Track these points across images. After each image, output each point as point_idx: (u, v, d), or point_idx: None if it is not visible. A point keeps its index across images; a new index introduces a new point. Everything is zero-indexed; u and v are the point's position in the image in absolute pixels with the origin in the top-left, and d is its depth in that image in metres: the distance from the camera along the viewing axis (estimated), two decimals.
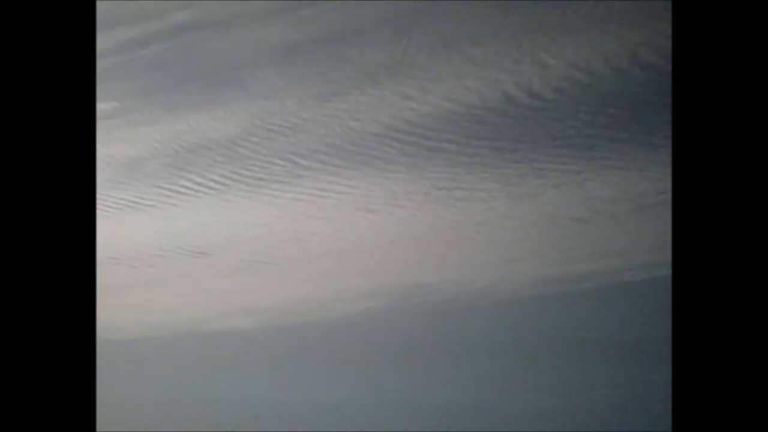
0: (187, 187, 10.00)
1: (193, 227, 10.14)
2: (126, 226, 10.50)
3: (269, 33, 9.46)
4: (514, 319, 9.51)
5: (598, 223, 8.79)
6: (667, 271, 9.17)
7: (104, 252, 10.83)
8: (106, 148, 10.42)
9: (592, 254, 9.07)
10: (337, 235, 9.64)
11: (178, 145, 10.24)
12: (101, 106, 10.03)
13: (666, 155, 8.30)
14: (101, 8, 7.17)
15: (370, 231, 9.57)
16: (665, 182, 8.56)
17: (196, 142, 9.79)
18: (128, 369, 11.11)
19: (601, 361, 9.15)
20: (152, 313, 10.90)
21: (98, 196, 10.56)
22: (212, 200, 9.58)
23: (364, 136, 9.06)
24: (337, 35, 9.05)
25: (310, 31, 9.24)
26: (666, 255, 9.29)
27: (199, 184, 9.89)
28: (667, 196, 8.58)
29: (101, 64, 9.68)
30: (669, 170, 8.51)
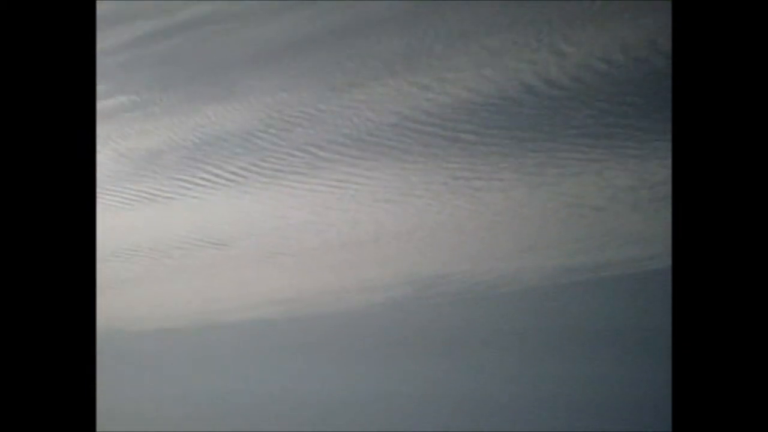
0: (205, 179, 10.03)
1: (212, 219, 10.16)
2: (145, 218, 10.54)
3: (286, 24, 9.46)
4: (533, 309, 9.49)
5: (618, 211, 8.75)
6: None
7: (123, 244, 10.87)
8: (125, 141, 10.46)
9: (612, 243, 9.04)
10: (356, 225, 9.64)
11: (196, 138, 10.26)
12: (119, 100, 10.06)
13: None
14: (117, 2, 7.17)
15: (388, 221, 9.57)
16: None
17: (214, 134, 9.81)
18: (147, 361, 11.16)
19: (622, 351, 9.12)
20: (171, 305, 10.93)
21: (117, 189, 10.59)
22: (231, 192, 9.61)
23: (382, 127, 9.05)
24: (353, 26, 9.05)
25: (327, 21, 9.24)
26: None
27: (218, 176, 9.91)
28: None
29: (117, 58, 9.70)
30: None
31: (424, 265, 10.02)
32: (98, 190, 10.25)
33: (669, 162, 8.91)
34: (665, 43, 7.97)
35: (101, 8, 8.92)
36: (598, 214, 9.24)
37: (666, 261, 9.52)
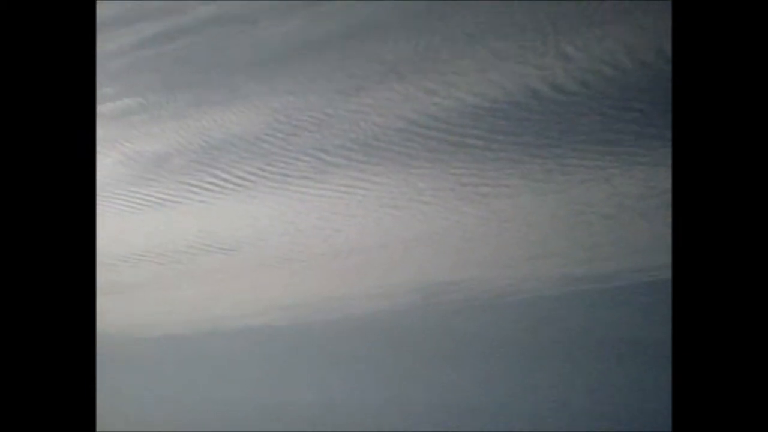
0: (213, 184, 9.99)
1: (219, 224, 10.12)
2: (152, 222, 10.51)
3: (293, 28, 9.43)
4: (540, 317, 9.40)
5: (625, 219, 8.66)
6: None
7: (131, 249, 10.86)
8: (131, 144, 10.44)
9: (619, 251, 8.94)
10: (363, 231, 9.59)
11: (203, 141, 10.23)
12: (125, 102, 10.05)
13: None
14: (124, 4, 7.15)
15: (394, 227, 9.51)
16: None
17: (221, 138, 9.78)
18: (154, 367, 11.13)
19: (629, 360, 9.01)
20: (178, 311, 10.90)
21: (124, 193, 10.58)
22: (238, 196, 9.57)
23: (389, 132, 8.99)
24: (361, 30, 9.00)
25: (334, 26, 9.20)
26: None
27: (225, 180, 9.87)
28: None
29: (124, 60, 9.69)
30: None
31: (431, 272, 9.96)
32: (105, 194, 10.22)
33: None
34: (671, 47, 7.88)
35: (107, 10, 8.91)
36: (606, 222, 9.15)
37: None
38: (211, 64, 9.71)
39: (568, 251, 9.28)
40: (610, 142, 8.26)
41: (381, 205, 9.36)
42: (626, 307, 9.08)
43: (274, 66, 9.03)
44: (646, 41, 7.72)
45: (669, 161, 8.54)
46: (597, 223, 8.96)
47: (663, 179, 8.64)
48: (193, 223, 10.39)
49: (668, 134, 8.42)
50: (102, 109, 9.54)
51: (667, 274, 9.32)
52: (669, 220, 9.35)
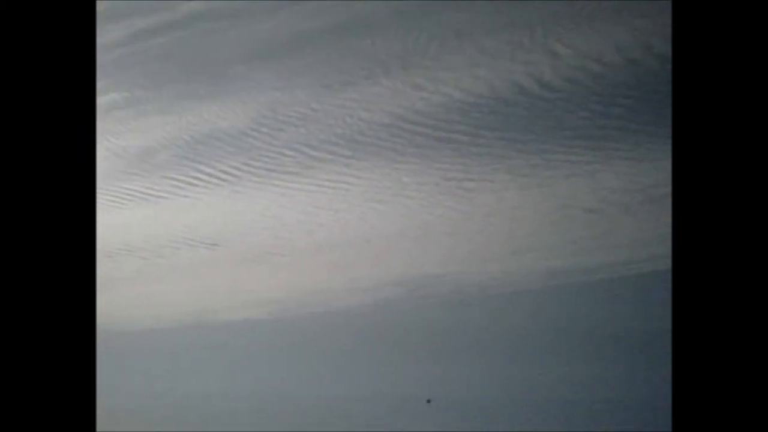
0: (197, 178, 10.06)
1: (203, 218, 10.17)
2: (137, 217, 10.53)
3: (280, 24, 9.46)
4: (524, 310, 9.47)
5: (609, 213, 8.78)
6: None
7: (114, 243, 10.88)
8: (116, 139, 10.49)
9: (603, 245, 9.04)
10: (347, 226, 9.67)
11: (188, 136, 10.30)
12: (112, 97, 10.06)
13: None
14: (111, 1, 7.10)
15: (379, 222, 9.59)
16: None
17: (206, 133, 9.85)
18: (136, 360, 11.11)
19: (613, 352, 9.09)
20: (161, 305, 10.92)
21: (109, 188, 10.60)
22: (223, 191, 9.63)
23: (375, 127, 9.10)
24: (348, 26, 9.05)
25: (321, 22, 9.24)
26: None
27: (210, 175, 9.95)
28: None
29: (111, 55, 9.70)
30: None
31: (415, 266, 10.03)
32: None
33: (661, 164, 8.93)
34: (659, 45, 7.97)
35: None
36: (590, 217, 9.26)
37: (658, 264, 9.54)
38: (197, 60, 9.73)
39: (551, 245, 9.39)
40: (595, 137, 8.38)
41: (366, 199, 9.44)
42: (612, 299, 9.17)
43: (260, 62, 9.09)
44: (633, 39, 7.81)
45: (653, 156, 8.63)
46: (581, 217, 9.09)
47: (647, 175, 8.76)
48: (177, 217, 10.44)
49: (652, 130, 8.54)
50: None
51: (652, 267, 9.44)
52: (653, 214, 9.43)
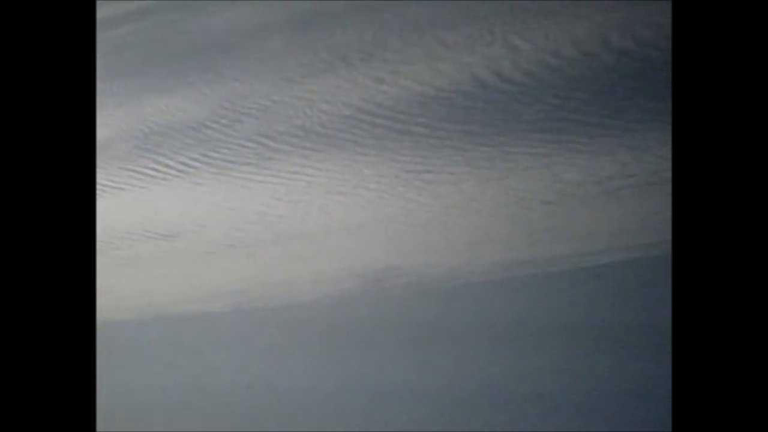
0: (155, 170, 9.97)
1: (161, 210, 10.10)
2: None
3: (240, 14, 9.44)
4: (483, 302, 9.59)
5: (567, 206, 8.89)
6: (636, 254, 9.28)
7: None
8: None
9: (561, 237, 9.17)
10: (306, 218, 9.65)
11: (146, 128, 10.19)
12: None
13: (635, 139, 8.41)
14: None
15: (339, 214, 9.60)
16: (633, 166, 8.67)
17: (165, 125, 9.75)
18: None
19: (569, 345, 9.26)
20: (118, 297, 10.86)
21: None
22: (181, 183, 9.55)
23: (335, 119, 9.07)
24: (308, 17, 9.05)
25: (281, 12, 9.23)
26: (635, 238, 9.41)
27: (168, 166, 9.85)
28: (635, 180, 8.69)
29: None
30: (637, 154, 8.62)
31: (374, 258, 10.07)
32: None
33: (617, 158, 9.07)
34: (616, 39, 8.11)
35: None
36: (548, 209, 9.36)
37: (615, 255, 9.68)
38: (154, 50, 9.67)
39: (510, 237, 9.48)
40: (553, 130, 8.47)
41: (325, 191, 9.44)
42: (568, 291, 9.32)
43: (219, 53, 9.04)
44: (591, 32, 7.93)
45: (609, 150, 8.77)
46: (538, 209, 9.18)
47: (603, 167, 8.87)
48: (134, 209, 10.36)
49: (608, 123, 8.64)
50: None
51: (608, 258, 9.58)
52: (609, 206, 9.58)
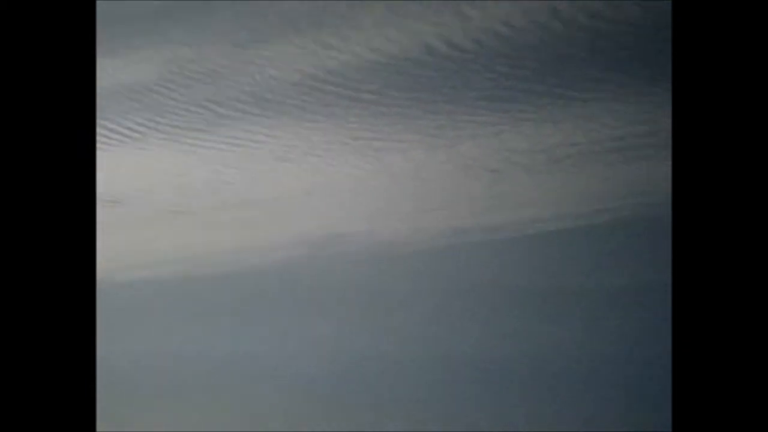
0: (101, 135, 9.84)
1: (106, 176, 9.98)
2: None
3: None
4: (428, 269, 9.69)
5: (513, 174, 9.00)
6: (580, 221, 9.47)
7: None
8: None
9: (507, 205, 9.30)
10: (254, 184, 9.62)
11: None
12: None
13: (581, 108, 8.53)
14: None
15: (287, 180, 9.59)
16: (579, 135, 8.81)
17: (110, 89, 9.63)
18: None
19: (515, 308, 9.42)
20: None
21: None
22: (127, 148, 9.46)
23: (284, 85, 9.04)
24: None
25: None
26: (579, 206, 9.59)
27: (113, 131, 9.73)
28: (579, 148, 8.83)
29: None
30: (582, 123, 8.77)
31: (323, 225, 10.08)
32: None
33: (564, 126, 9.20)
34: (565, 8, 8.20)
35: None
36: (495, 176, 9.47)
37: (562, 223, 9.85)
38: (102, 14, 9.51)
39: (456, 204, 9.58)
40: (501, 98, 8.55)
41: (274, 158, 9.42)
42: (512, 258, 9.46)
43: (167, 16, 8.94)
44: (540, 2, 8.01)
45: (555, 118, 8.90)
46: (486, 177, 9.28)
47: (549, 135, 9.00)
48: None
49: (555, 92, 8.75)
50: None
51: (552, 226, 9.74)
52: (554, 174, 9.71)
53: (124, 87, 9.40)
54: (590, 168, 8.76)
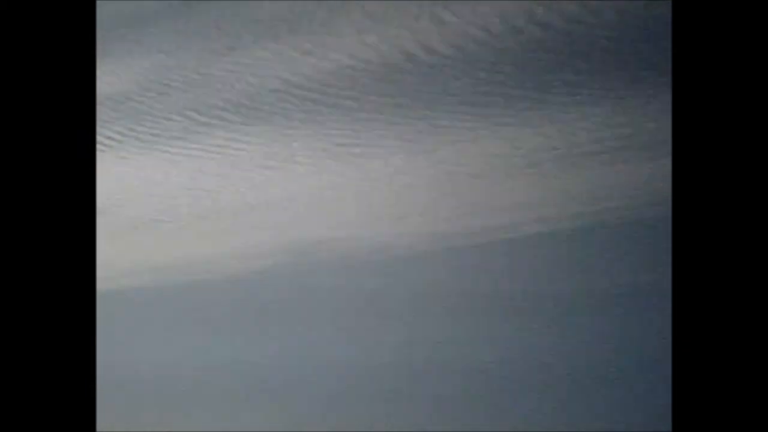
0: None
1: None
2: None
3: None
4: (410, 273, 9.68)
5: (493, 178, 9.02)
6: (560, 225, 9.49)
7: None
8: None
9: (487, 209, 9.31)
10: (234, 192, 9.60)
11: None
12: None
13: (559, 113, 8.56)
14: None
15: (267, 188, 9.57)
16: (557, 139, 8.84)
17: None
18: None
19: (497, 314, 9.43)
20: None
21: None
22: (106, 157, 9.42)
23: (263, 92, 9.02)
24: None
25: None
26: (559, 210, 9.61)
27: None
28: (558, 153, 8.86)
29: None
30: (561, 127, 8.79)
31: (303, 232, 10.06)
32: None
33: (543, 130, 9.22)
34: (542, 13, 8.22)
35: None
36: (475, 181, 9.48)
37: (543, 226, 9.87)
38: None
39: (438, 209, 9.58)
40: (480, 104, 8.57)
41: (254, 165, 9.39)
42: (494, 262, 9.47)
43: (145, 24, 8.91)
44: (516, 7, 8.03)
45: (533, 123, 8.92)
46: (466, 182, 9.29)
47: (528, 140, 9.02)
48: None
49: (534, 96, 8.78)
50: None
51: (532, 229, 9.76)
52: (533, 177, 9.73)
53: (102, 95, 9.36)
54: (570, 171, 8.78)
